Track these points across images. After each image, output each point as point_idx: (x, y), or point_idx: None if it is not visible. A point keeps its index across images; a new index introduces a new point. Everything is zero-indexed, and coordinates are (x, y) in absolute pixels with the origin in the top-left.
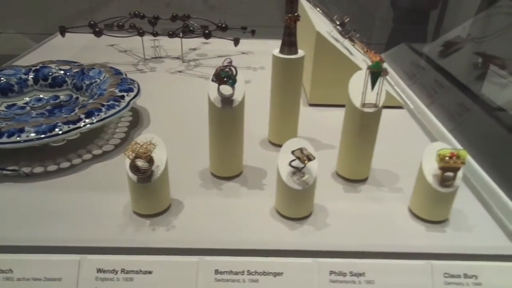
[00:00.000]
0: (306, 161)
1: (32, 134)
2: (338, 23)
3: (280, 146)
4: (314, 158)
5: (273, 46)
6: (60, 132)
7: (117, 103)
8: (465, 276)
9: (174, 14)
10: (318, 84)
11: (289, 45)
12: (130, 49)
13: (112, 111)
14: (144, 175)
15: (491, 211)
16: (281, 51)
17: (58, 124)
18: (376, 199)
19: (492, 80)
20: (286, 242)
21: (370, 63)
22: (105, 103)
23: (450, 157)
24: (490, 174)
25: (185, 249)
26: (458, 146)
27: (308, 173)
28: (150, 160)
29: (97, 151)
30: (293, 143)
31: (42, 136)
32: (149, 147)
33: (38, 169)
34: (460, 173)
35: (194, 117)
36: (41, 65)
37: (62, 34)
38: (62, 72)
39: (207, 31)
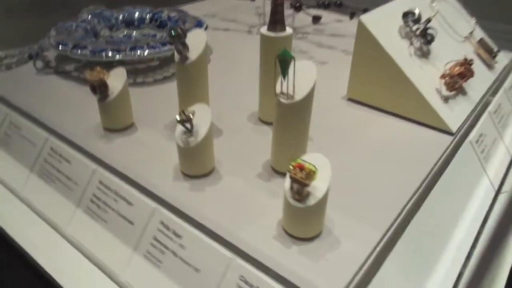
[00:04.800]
0: (184, 119)
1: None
2: (411, 19)
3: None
4: (191, 118)
5: None
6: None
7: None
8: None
9: None
10: (358, 78)
11: (274, 22)
12: (267, 12)
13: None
14: (98, 96)
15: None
16: (268, 29)
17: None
18: (268, 190)
19: None
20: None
21: None
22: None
23: (294, 167)
24: None
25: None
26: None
27: (195, 135)
28: (103, 84)
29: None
30: (195, 107)
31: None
32: (100, 74)
33: None
34: (319, 193)
35: (230, 75)
36: (159, 10)
37: None
38: (167, 17)
39: (297, 4)
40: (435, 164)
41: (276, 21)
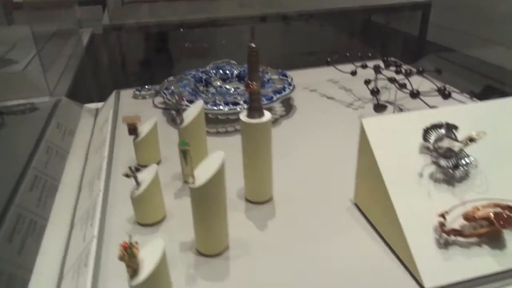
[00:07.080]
0: (128, 174)
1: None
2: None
3: (252, 202)
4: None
5: None
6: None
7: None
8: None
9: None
10: (361, 184)
11: (250, 109)
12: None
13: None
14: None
15: None
16: (247, 115)
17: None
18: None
19: None
20: None
21: None
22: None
23: (122, 244)
24: None
25: None
26: None
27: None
28: (134, 128)
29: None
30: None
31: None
32: (134, 120)
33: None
34: (140, 278)
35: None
36: (267, 71)
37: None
38: (268, 79)
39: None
40: None
41: (253, 108)
